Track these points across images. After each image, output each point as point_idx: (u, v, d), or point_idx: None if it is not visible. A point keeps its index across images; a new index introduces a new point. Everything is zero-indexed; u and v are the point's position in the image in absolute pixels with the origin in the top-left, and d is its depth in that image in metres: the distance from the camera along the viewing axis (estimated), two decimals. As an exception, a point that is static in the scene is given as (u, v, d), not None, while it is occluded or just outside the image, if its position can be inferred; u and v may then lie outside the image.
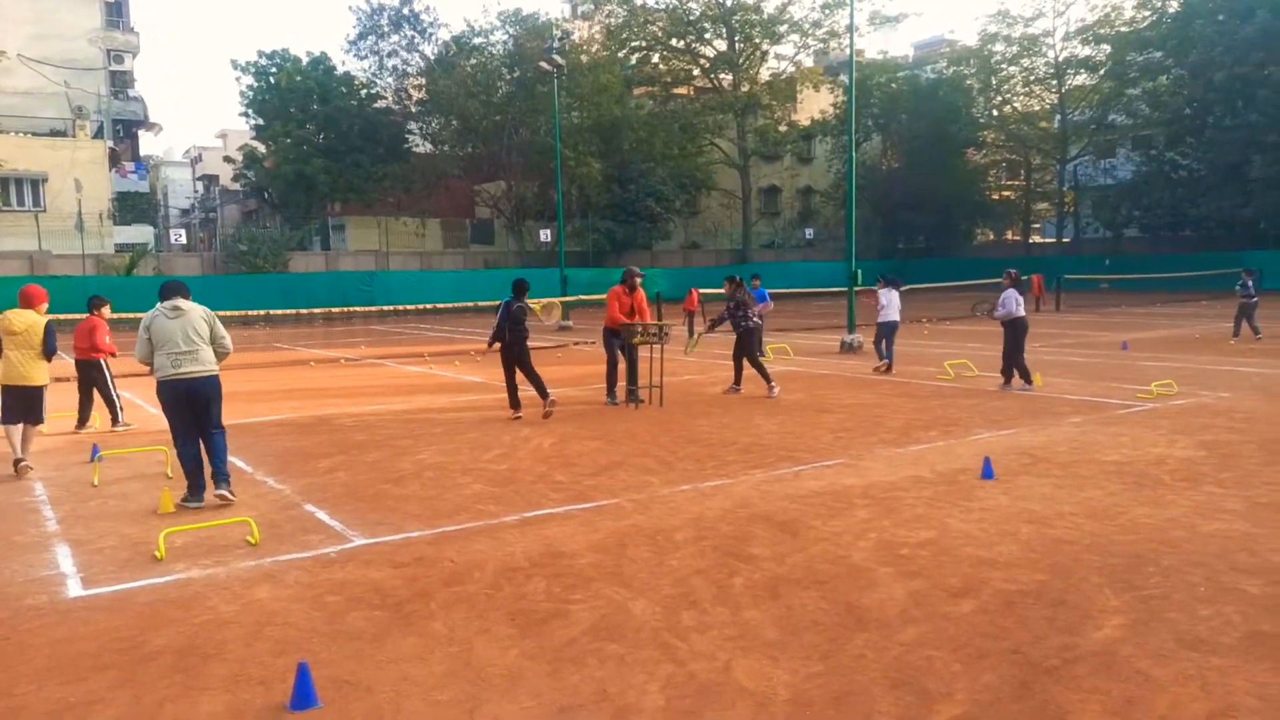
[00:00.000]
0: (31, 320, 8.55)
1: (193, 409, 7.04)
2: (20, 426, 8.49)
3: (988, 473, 7.50)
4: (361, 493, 7.49)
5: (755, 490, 7.29)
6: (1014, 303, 12.55)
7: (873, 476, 7.67)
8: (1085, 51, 49.06)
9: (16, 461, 8.38)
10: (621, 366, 12.19)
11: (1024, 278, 13.29)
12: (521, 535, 6.17)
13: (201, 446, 7.12)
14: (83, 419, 10.88)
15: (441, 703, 3.81)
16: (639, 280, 12.28)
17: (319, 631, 4.59)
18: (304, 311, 30.47)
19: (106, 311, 11.03)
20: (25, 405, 8.53)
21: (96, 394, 10.86)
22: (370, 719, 3.69)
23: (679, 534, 6.12)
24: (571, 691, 3.88)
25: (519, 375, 11.11)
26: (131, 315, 25.22)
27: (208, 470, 7.13)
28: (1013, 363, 12.65)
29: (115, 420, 10.88)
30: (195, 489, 7.09)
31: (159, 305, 7.08)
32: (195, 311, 7.08)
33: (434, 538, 6.16)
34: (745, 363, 12.83)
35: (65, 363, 11.11)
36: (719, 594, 5.00)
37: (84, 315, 11.03)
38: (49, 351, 8.63)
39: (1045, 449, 8.60)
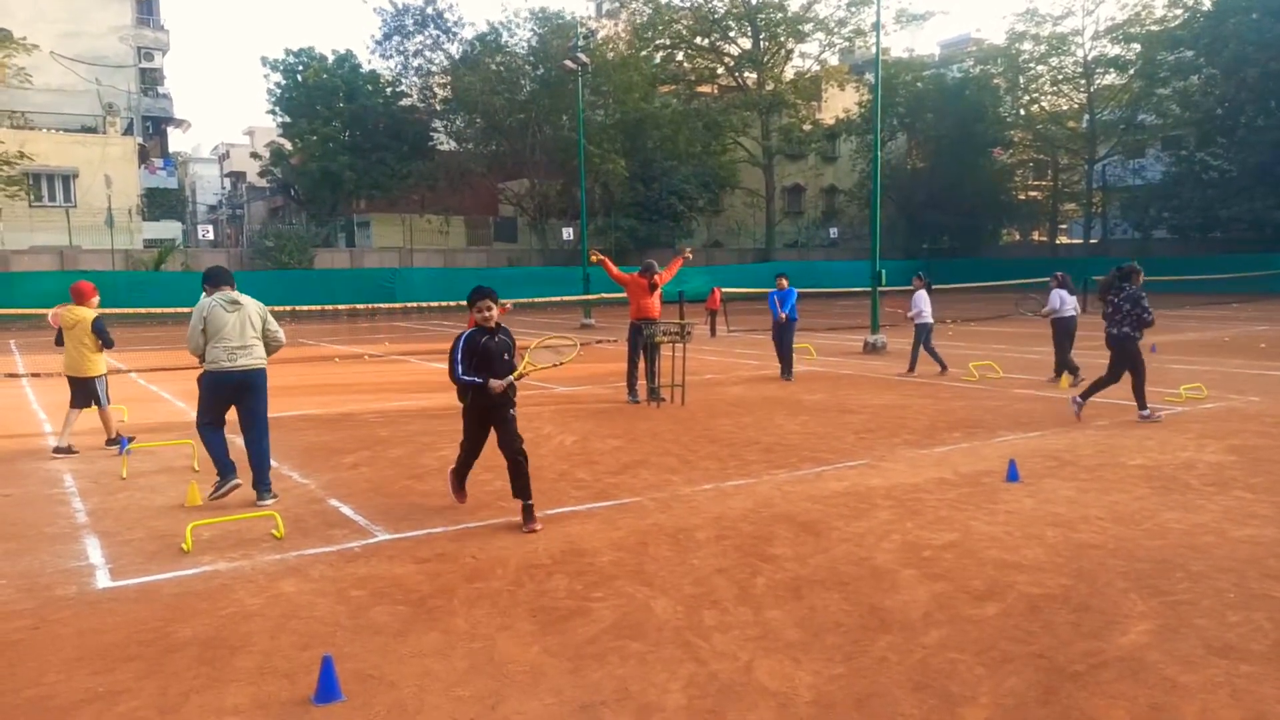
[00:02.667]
0: (81, 315, 9.02)
1: (238, 401, 7.06)
2: (78, 413, 9.02)
3: (1012, 475, 7.43)
4: (385, 488, 7.54)
5: (777, 490, 7.27)
6: (1059, 301, 13.26)
7: (896, 478, 7.62)
8: (1115, 50, 48.43)
9: (57, 448, 8.90)
10: (643, 365, 12.20)
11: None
12: (544, 532, 6.19)
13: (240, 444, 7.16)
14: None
15: (464, 698, 3.83)
16: (656, 276, 12.32)
17: (343, 625, 4.63)
18: (329, 308, 30.66)
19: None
20: (84, 393, 9.09)
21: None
22: (393, 713, 3.71)
23: (701, 533, 6.11)
24: (593, 689, 3.89)
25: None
26: (159, 310, 25.61)
27: (234, 462, 7.17)
28: (1058, 359, 13.19)
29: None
30: (226, 470, 7.03)
31: (214, 296, 6.99)
32: (251, 305, 7.09)
33: (456, 534, 6.19)
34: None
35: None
36: (741, 594, 4.99)
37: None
38: (104, 344, 9.11)
39: (1071, 452, 8.51)
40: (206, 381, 7.02)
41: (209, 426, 7.08)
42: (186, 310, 7.86)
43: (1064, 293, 13.34)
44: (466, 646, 4.34)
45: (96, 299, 9.26)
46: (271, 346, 7.22)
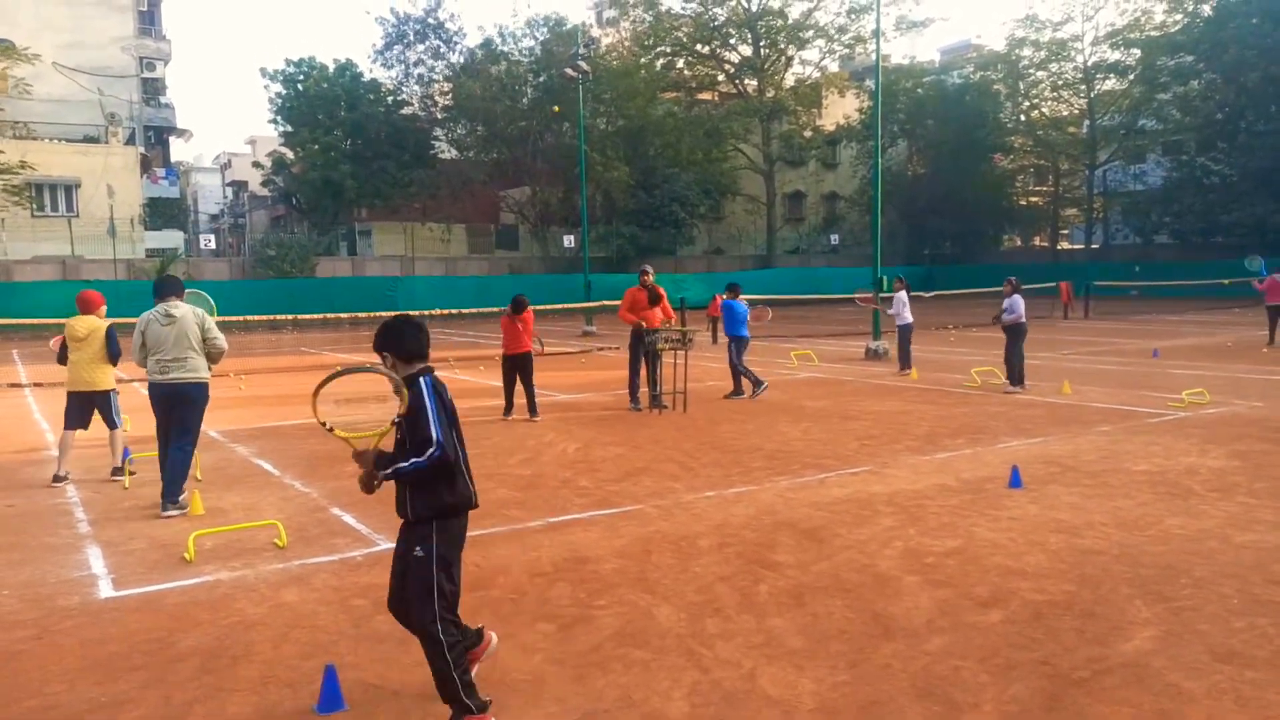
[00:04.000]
0: (93, 325, 8.47)
1: (170, 412, 7.11)
2: (74, 434, 8.42)
3: (1015, 481, 7.42)
4: (387, 497, 7.52)
5: (780, 497, 7.26)
6: (1021, 307, 13.28)
7: (899, 484, 7.62)
8: (1115, 56, 48.56)
9: (56, 476, 8.29)
10: (644, 372, 12.20)
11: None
12: (546, 540, 6.18)
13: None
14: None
15: (467, 707, 3.81)
16: (650, 277, 12.30)
17: (346, 634, 4.62)
18: (330, 316, 30.73)
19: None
20: (89, 411, 8.50)
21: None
22: (396, 722, 3.71)
23: (703, 540, 6.11)
24: (596, 697, 3.88)
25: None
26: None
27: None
28: (1009, 365, 13.17)
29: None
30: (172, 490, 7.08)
31: (154, 309, 7.11)
32: (188, 318, 7.10)
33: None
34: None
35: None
36: (744, 601, 4.98)
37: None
38: (112, 355, 8.49)
39: (1074, 458, 8.50)
40: (150, 397, 7.14)
41: (161, 442, 7.18)
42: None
43: (1019, 298, 13.37)
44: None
45: (104, 308, 8.90)
46: (212, 355, 7.25)
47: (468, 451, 3.75)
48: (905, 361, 15.63)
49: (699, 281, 39.20)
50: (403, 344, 3.72)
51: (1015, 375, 13.14)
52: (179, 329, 7.04)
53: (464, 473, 3.74)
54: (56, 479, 8.25)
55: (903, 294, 15.80)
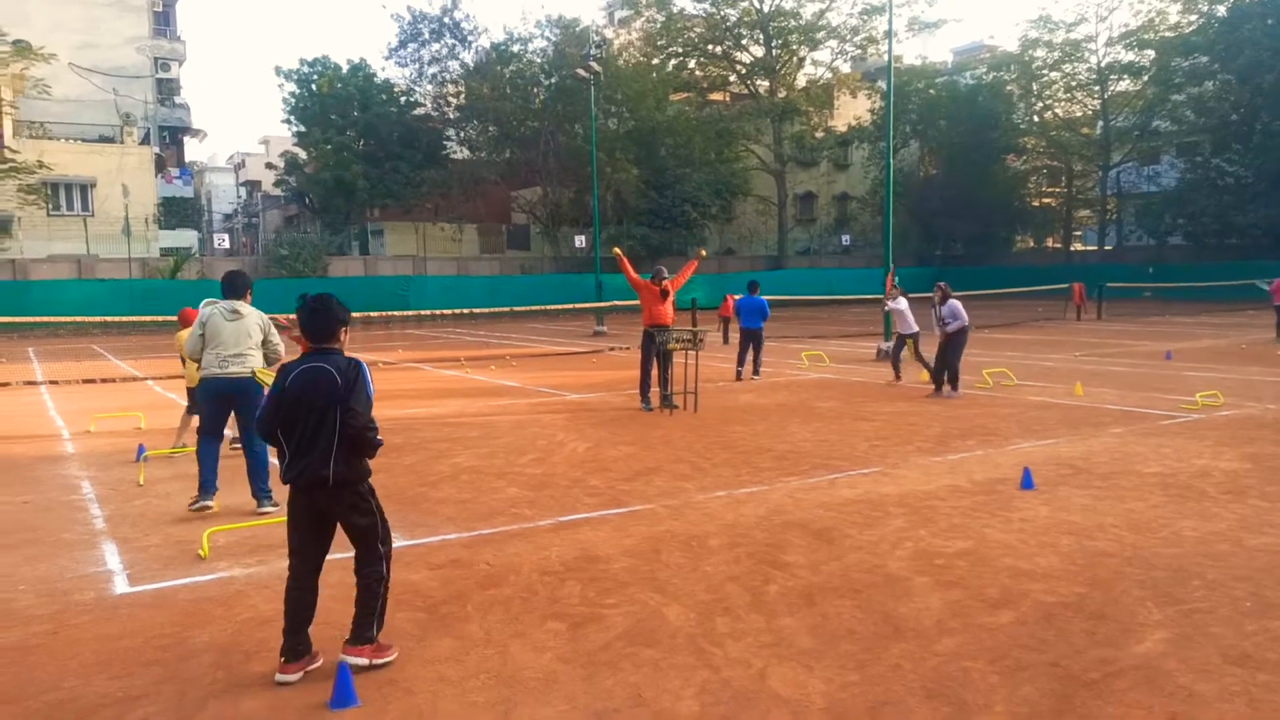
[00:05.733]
0: (180, 336, 9.61)
1: (231, 407, 7.15)
2: (194, 419, 9.04)
3: (1027, 483, 7.41)
4: (399, 495, 7.57)
5: (790, 498, 7.27)
6: (964, 312, 12.94)
7: (909, 485, 7.61)
8: (1129, 57, 48.33)
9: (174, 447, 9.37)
10: (655, 372, 12.21)
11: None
12: (557, 539, 6.20)
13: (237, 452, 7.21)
14: None
15: (477, 704, 3.84)
16: (666, 281, 12.34)
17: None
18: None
19: None
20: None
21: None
22: (408, 719, 3.73)
23: (713, 540, 6.12)
24: (606, 696, 3.90)
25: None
26: (175, 318, 25.77)
27: (221, 475, 7.19)
28: (951, 368, 12.84)
29: None
30: (206, 489, 7.08)
31: (219, 303, 7.13)
32: (252, 317, 7.16)
33: (470, 540, 6.21)
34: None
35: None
36: (754, 601, 4.99)
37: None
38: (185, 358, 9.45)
39: (1086, 459, 8.47)
40: (201, 389, 7.14)
41: (206, 436, 7.15)
42: (203, 319, 7.95)
43: (957, 303, 12.93)
44: (480, 653, 4.36)
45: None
46: (270, 359, 7.29)
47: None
48: (933, 372, 13.73)
49: (710, 281, 39.23)
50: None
51: (953, 378, 12.79)
52: (242, 326, 7.05)
53: (291, 452, 4.13)
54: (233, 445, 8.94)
55: (902, 301, 14.92)
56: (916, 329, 14.74)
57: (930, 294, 13.65)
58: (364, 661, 4.11)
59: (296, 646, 4.13)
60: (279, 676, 4.06)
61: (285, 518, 4.35)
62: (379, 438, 4.18)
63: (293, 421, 4.09)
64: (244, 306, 7.17)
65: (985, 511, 6.73)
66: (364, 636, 4.16)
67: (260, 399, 7.30)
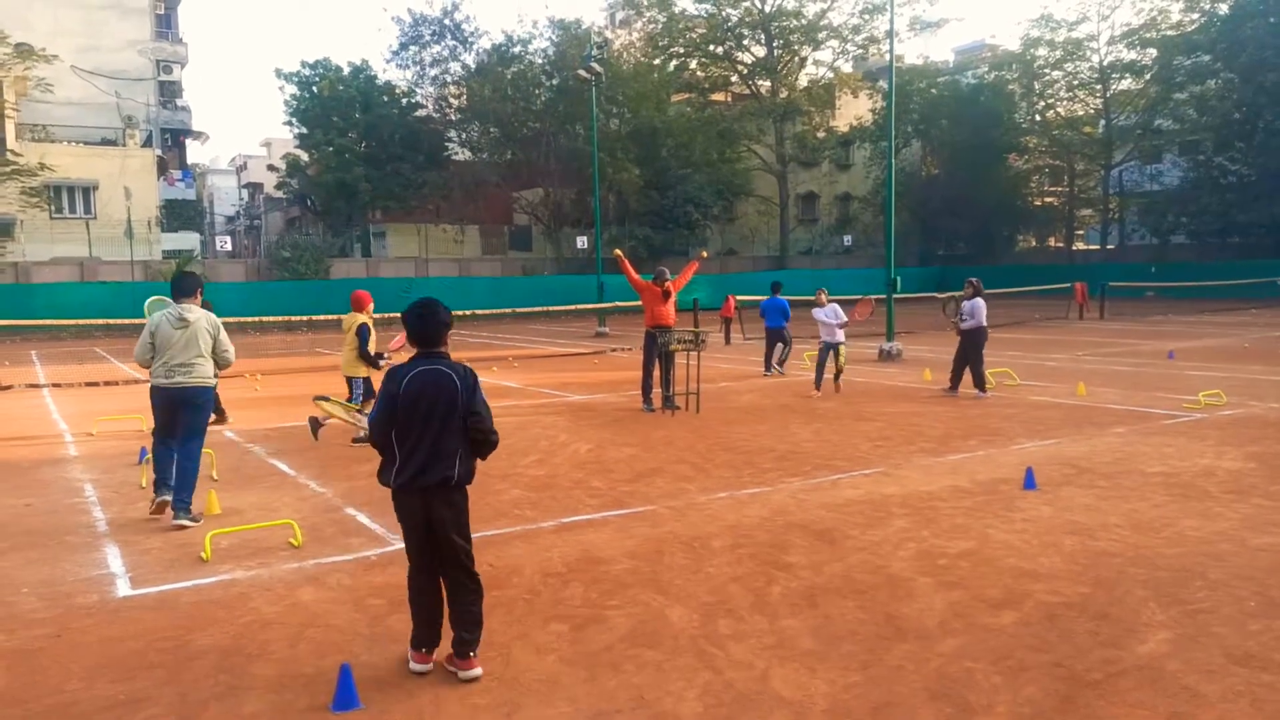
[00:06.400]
0: (353, 321, 9.80)
1: (175, 415, 6.95)
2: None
3: (1029, 483, 7.40)
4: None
5: (792, 498, 7.26)
6: (983, 313, 12.67)
7: (911, 486, 7.60)
8: (1130, 56, 48.23)
9: (356, 439, 9.66)
10: (657, 373, 12.21)
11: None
12: (559, 540, 6.20)
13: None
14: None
15: (480, 706, 3.84)
16: (668, 283, 12.33)
17: (360, 634, 4.65)
18: (345, 317, 30.95)
19: None
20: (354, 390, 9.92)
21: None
22: (410, 721, 3.74)
23: (716, 541, 6.11)
24: (609, 697, 3.90)
25: None
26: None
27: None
28: (974, 370, 12.56)
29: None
30: (161, 485, 6.96)
31: (167, 310, 7.00)
32: (201, 323, 6.99)
33: (473, 543, 6.20)
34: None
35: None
36: (756, 602, 4.99)
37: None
38: (360, 350, 9.87)
39: (1089, 459, 8.46)
40: (152, 398, 7.03)
41: (158, 439, 7.05)
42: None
43: (982, 301, 12.71)
44: (483, 655, 4.35)
45: (371, 306, 10.02)
46: (220, 363, 7.18)
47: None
48: (819, 380, 13.63)
49: (712, 282, 39.21)
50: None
51: (976, 380, 12.57)
52: (190, 333, 6.92)
53: (404, 456, 4.11)
54: (356, 440, 9.63)
55: (832, 307, 13.72)
56: (841, 339, 13.56)
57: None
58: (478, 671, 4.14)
59: (433, 638, 4.23)
60: (413, 666, 4.19)
61: (282, 520, 4.35)
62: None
63: (409, 425, 4.06)
64: (192, 311, 6.98)
65: (988, 512, 6.72)
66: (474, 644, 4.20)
67: (208, 409, 7.21)
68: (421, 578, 4.23)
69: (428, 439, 4.05)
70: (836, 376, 13.61)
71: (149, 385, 7.09)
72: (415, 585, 4.25)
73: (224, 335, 7.19)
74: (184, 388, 6.89)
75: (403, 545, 4.26)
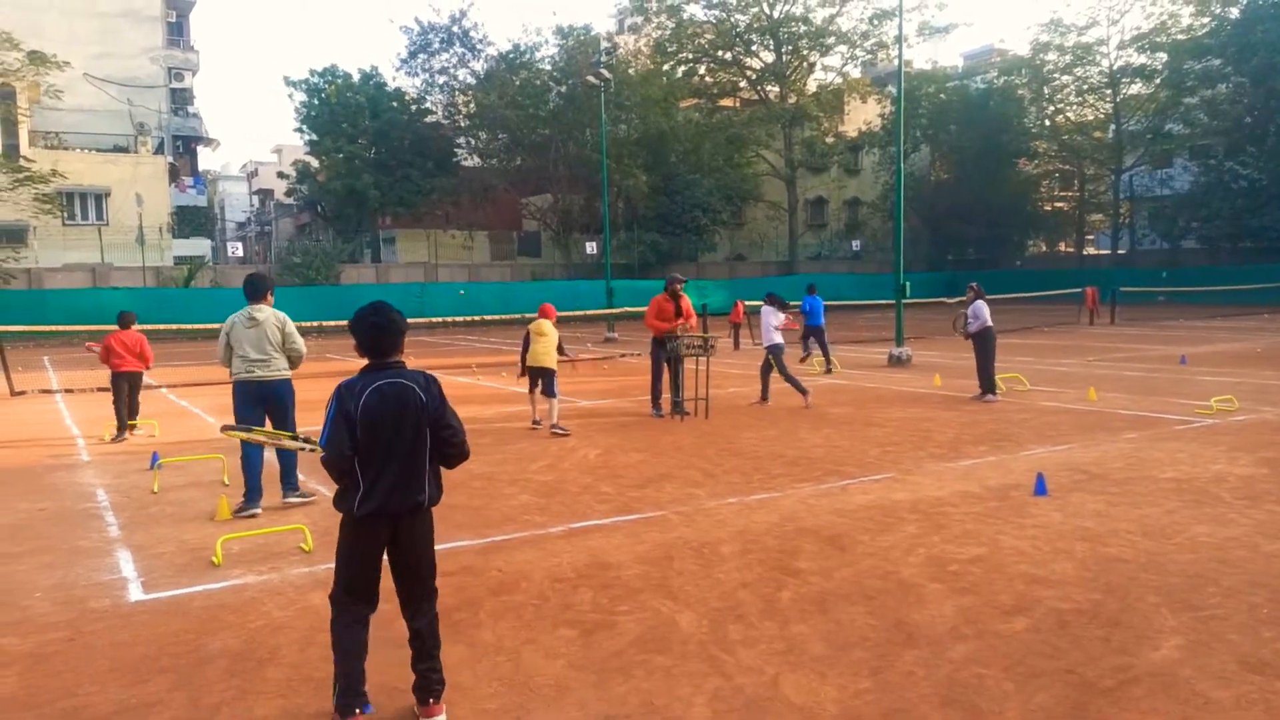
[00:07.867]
0: (551, 327, 11.31)
1: (264, 409, 7.37)
2: (538, 394, 11.22)
3: (1040, 489, 7.37)
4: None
5: (802, 504, 7.25)
6: (986, 313, 12.86)
7: (921, 491, 7.58)
8: (1141, 60, 48.10)
9: (535, 421, 11.26)
10: (666, 379, 12.20)
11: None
12: (568, 546, 6.21)
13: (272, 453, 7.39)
14: (121, 427, 11.34)
15: (489, 711, 3.85)
16: (680, 286, 12.30)
17: (370, 638, 4.65)
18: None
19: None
20: (545, 382, 11.12)
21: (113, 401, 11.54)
22: (420, 726, 3.74)
23: (725, 547, 6.11)
24: (618, 702, 3.89)
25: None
26: (189, 326, 25.92)
27: (267, 477, 7.31)
28: (983, 372, 12.77)
29: (122, 430, 11.35)
30: (253, 494, 7.26)
31: (240, 312, 7.41)
32: (270, 321, 7.39)
33: (482, 547, 6.22)
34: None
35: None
36: (766, 608, 4.98)
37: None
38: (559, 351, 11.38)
39: (1100, 465, 8.43)
40: (236, 391, 7.41)
41: (250, 446, 7.22)
42: (216, 326, 8.14)
43: (984, 304, 12.92)
44: (492, 659, 4.36)
45: (555, 316, 11.51)
46: (292, 358, 7.54)
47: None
48: (764, 392, 13.23)
49: (721, 287, 39.20)
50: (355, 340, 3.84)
51: (987, 383, 12.80)
52: (259, 331, 7.33)
53: (368, 482, 3.66)
54: (535, 423, 11.27)
55: (770, 309, 13.24)
56: (779, 341, 13.01)
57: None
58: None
59: (362, 693, 3.75)
60: None
61: (293, 524, 4.36)
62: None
63: (370, 448, 3.62)
64: (262, 311, 7.40)
65: (998, 518, 6.70)
66: (439, 687, 3.81)
67: (291, 400, 7.44)
68: (360, 608, 3.78)
69: (394, 461, 3.65)
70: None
71: (234, 383, 7.40)
72: (349, 617, 3.76)
73: (291, 329, 7.52)
74: (262, 381, 7.34)
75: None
